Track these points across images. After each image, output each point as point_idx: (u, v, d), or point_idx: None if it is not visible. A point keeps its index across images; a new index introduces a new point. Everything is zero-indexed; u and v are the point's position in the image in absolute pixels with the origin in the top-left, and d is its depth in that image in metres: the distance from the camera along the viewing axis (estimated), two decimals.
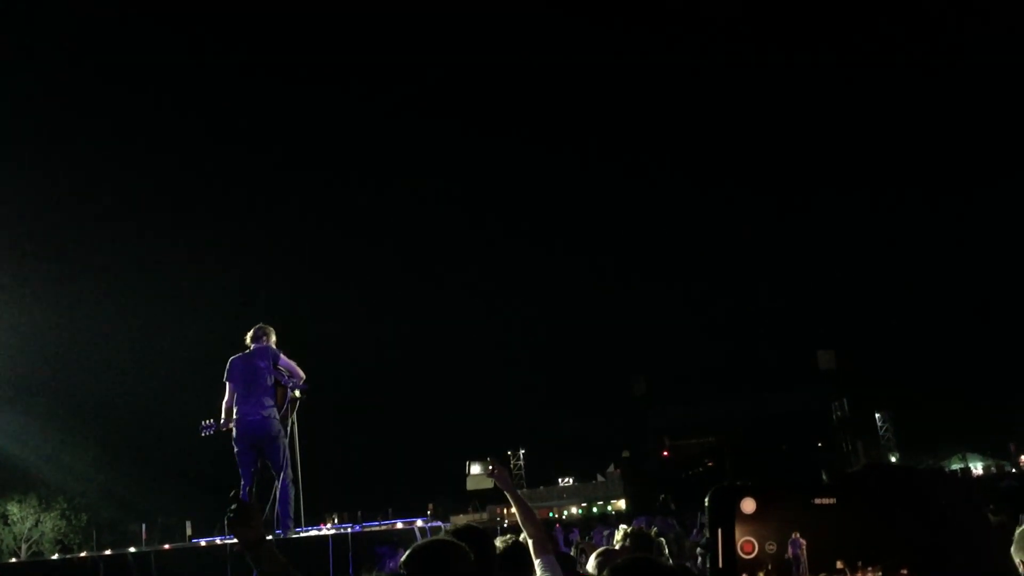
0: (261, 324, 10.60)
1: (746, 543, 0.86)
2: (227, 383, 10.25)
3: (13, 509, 40.72)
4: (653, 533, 8.40)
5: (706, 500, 0.90)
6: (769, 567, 0.89)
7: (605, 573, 3.03)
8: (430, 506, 44.45)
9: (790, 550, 0.86)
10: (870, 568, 0.87)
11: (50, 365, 46.01)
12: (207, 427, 10.19)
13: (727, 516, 0.88)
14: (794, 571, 0.87)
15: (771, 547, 0.87)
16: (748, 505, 0.87)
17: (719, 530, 0.88)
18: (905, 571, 0.87)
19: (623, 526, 6.97)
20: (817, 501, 0.89)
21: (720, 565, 0.87)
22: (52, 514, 41.59)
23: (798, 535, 0.87)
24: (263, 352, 10.34)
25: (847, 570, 0.88)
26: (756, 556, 0.86)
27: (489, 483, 6.59)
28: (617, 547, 6.08)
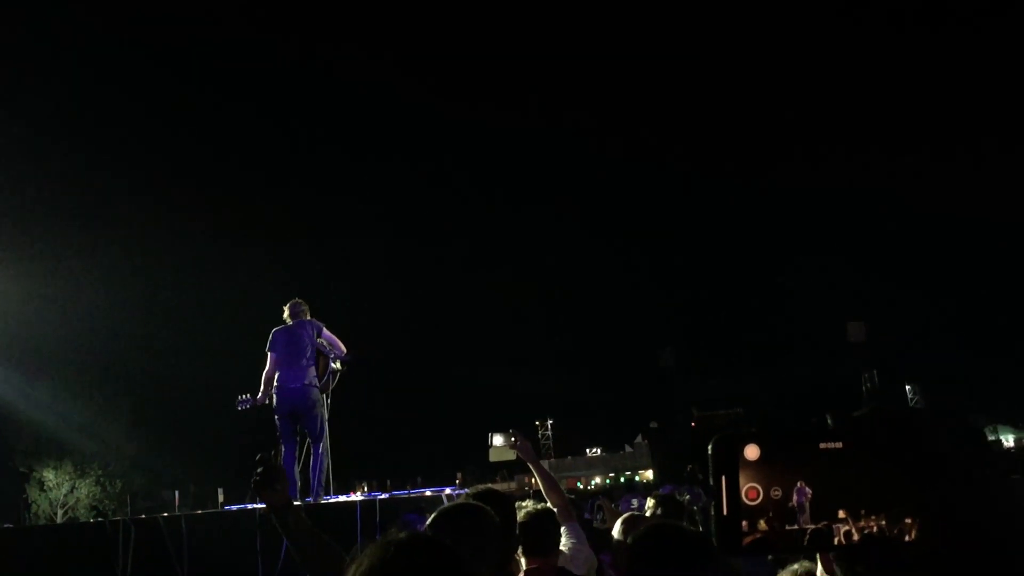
0: (298, 299, 10.62)
1: (750, 490, 0.86)
2: (269, 353, 10.27)
3: (49, 475, 41.31)
4: (686, 500, 8.39)
5: (709, 448, 0.90)
6: (771, 514, 0.89)
7: (629, 540, 3.05)
8: (459, 475, 44.73)
9: (795, 498, 0.86)
10: (874, 516, 0.87)
11: (82, 335, 46.48)
12: (243, 402, 10.25)
13: (731, 463, 0.88)
14: (798, 519, 0.87)
15: (776, 493, 0.87)
16: (752, 451, 0.87)
17: (723, 477, 0.88)
18: (909, 520, 0.87)
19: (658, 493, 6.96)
20: (823, 446, 0.89)
21: (724, 512, 0.87)
22: (87, 480, 42.16)
23: (803, 484, 0.87)
24: (306, 325, 10.37)
25: (850, 519, 0.88)
26: (760, 503, 0.86)
27: (512, 454, 6.60)
28: (648, 515, 6.08)
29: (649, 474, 60.11)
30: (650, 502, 6.71)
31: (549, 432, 68.53)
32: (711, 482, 0.88)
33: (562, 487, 5.52)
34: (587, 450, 72.31)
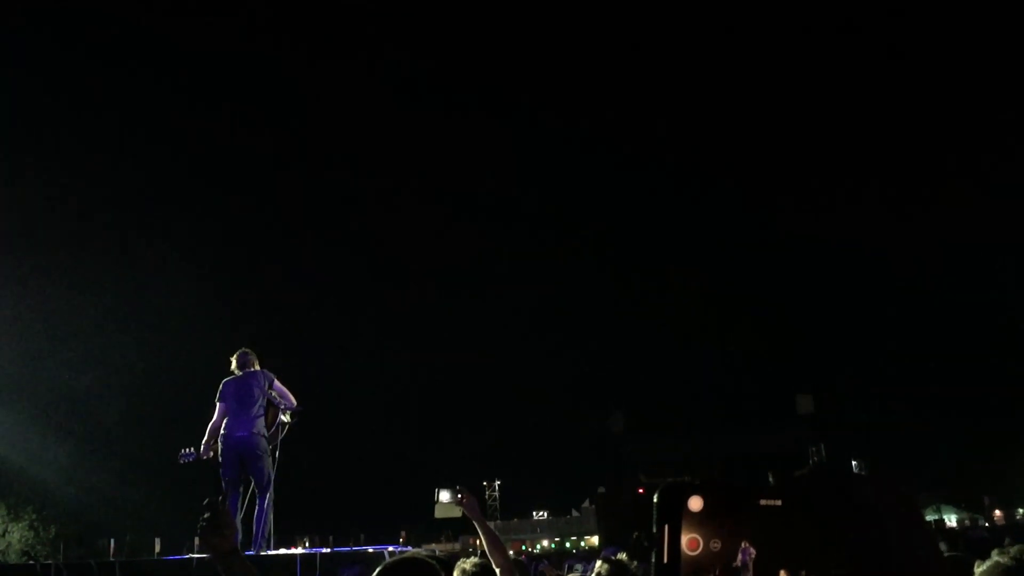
0: (245, 349, 10.54)
1: (691, 540, 0.86)
2: (218, 403, 10.18)
3: None
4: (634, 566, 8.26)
5: (654, 497, 0.90)
6: (717, 572, 0.89)
7: None
8: (403, 533, 44.15)
9: (740, 557, 0.86)
10: None
11: (22, 375, 45.51)
12: (186, 455, 10.06)
13: (674, 513, 0.88)
14: None
15: (715, 545, 0.87)
16: (696, 503, 0.87)
17: (666, 526, 0.88)
18: None
19: (607, 557, 6.84)
20: (763, 502, 0.89)
21: (665, 560, 0.87)
22: (20, 524, 41.06)
23: (748, 544, 0.87)
24: (257, 375, 10.32)
25: None
26: (700, 554, 0.86)
27: (458, 511, 6.50)
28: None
29: (595, 539, 59.73)
30: (599, 565, 6.61)
31: (496, 493, 67.99)
32: (654, 530, 0.88)
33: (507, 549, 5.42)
34: (534, 513, 71.77)
